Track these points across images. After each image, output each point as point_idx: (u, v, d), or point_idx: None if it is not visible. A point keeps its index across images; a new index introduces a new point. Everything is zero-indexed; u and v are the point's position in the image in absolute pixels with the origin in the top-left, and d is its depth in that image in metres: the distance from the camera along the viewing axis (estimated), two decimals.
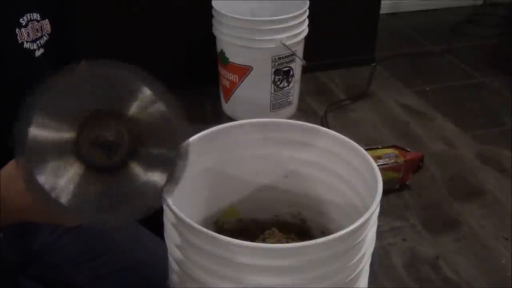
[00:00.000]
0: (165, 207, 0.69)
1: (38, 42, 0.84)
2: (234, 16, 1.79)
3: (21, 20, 0.81)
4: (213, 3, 1.87)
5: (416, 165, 1.73)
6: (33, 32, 0.83)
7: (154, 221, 1.05)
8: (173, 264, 0.72)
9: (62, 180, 0.44)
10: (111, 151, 0.46)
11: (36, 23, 0.84)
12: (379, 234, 0.80)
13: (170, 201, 0.68)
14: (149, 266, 1.03)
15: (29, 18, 0.83)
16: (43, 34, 0.85)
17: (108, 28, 1.96)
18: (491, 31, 2.83)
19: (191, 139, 0.80)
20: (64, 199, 0.44)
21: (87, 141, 0.45)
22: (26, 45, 0.82)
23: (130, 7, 2.04)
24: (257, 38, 1.83)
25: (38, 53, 0.84)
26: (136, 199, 0.50)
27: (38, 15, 0.84)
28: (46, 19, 0.85)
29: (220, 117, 2.02)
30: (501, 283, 1.41)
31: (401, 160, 1.69)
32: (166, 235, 0.73)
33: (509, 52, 2.66)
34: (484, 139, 1.98)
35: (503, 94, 2.30)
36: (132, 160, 0.48)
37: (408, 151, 1.75)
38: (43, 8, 0.84)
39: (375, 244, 0.73)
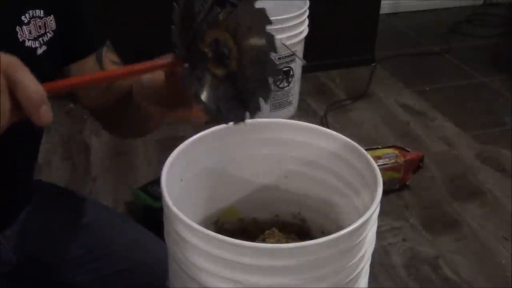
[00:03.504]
0: (165, 207, 0.69)
1: (40, 39, 0.83)
2: None
3: (22, 17, 0.80)
4: None
5: (416, 165, 1.73)
6: (35, 29, 0.82)
7: (154, 221, 1.05)
8: (173, 264, 0.72)
9: (202, 85, 0.59)
10: (227, 60, 0.59)
11: (38, 20, 0.82)
12: (379, 234, 0.80)
13: (170, 201, 0.68)
14: (149, 267, 1.03)
15: (31, 15, 0.81)
16: (46, 31, 0.84)
17: (107, 28, 1.96)
18: (491, 31, 2.83)
19: (191, 139, 0.80)
20: (204, 97, 0.59)
21: (213, 54, 0.59)
22: (27, 43, 0.81)
23: (129, 8, 2.04)
24: None
25: (40, 51, 0.83)
26: (249, 99, 0.60)
27: (41, 11, 0.83)
28: (51, 16, 0.84)
29: None
30: (501, 283, 1.41)
31: (401, 160, 1.69)
32: (166, 235, 0.73)
33: (509, 52, 2.66)
34: (484, 139, 1.98)
35: (503, 94, 2.30)
36: (240, 69, 0.59)
37: (408, 151, 1.75)
38: (47, 4, 0.83)
39: (375, 244, 0.73)
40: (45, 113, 0.51)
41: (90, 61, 0.92)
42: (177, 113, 0.71)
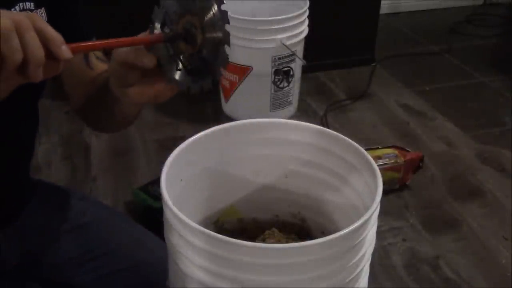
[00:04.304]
0: (165, 207, 0.69)
1: None
2: (234, 16, 1.79)
3: (12, 10, 0.80)
4: None
5: (416, 165, 1.73)
6: None
7: (154, 221, 1.04)
8: (173, 264, 0.72)
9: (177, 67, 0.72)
10: (193, 40, 0.70)
11: (29, 13, 0.83)
12: (379, 234, 0.80)
13: (170, 201, 0.68)
14: (149, 266, 1.03)
15: (21, 8, 0.82)
16: None
17: (105, 28, 1.96)
18: (491, 31, 2.83)
19: (191, 139, 0.80)
20: (179, 77, 0.72)
21: (181, 35, 0.71)
22: None
23: (128, 9, 2.04)
24: (257, 38, 1.83)
25: None
26: (215, 68, 0.71)
27: (32, 4, 0.83)
28: (42, 8, 0.85)
29: (220, 117, 2.03)
30: (501, 283, 1.41)
31: (401, 160, 1.69)
32: (166, 235, 0.73)
33: (509, 52, 2.66)
34: (484, 139, 1.98)
35: (503, 94, 2.30)
36: (203, 45, 0.71)
37: (408, 151, 1.75)
38: None
39: (375, 244, 0.73)
40: (66, 50, 0.64)
41: (77, 55, 0.92)
42: (143, 90, 0.75)
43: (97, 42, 0.72)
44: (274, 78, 1.92)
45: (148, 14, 0.74)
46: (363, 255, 0.70)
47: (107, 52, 0.77)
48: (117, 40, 0.70)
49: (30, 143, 1.00)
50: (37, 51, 0.61)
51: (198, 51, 0.71)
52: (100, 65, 0.94)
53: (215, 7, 0.69)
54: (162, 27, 0.72)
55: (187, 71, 0.73)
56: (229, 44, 0.70)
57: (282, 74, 1.92)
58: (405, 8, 3.05)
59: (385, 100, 2.23)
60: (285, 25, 1.83)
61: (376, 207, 0.68)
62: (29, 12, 0.61)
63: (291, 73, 1.94)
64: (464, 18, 2.94)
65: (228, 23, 0.69)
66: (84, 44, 0.69)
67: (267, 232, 0.88)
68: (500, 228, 1.57)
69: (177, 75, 0.73)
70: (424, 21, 3.00)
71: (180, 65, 0.72)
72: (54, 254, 1.02)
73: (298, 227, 0.91)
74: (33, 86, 0.89)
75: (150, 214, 1.50)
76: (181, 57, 0.72)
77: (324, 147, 0.84)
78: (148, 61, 0.71)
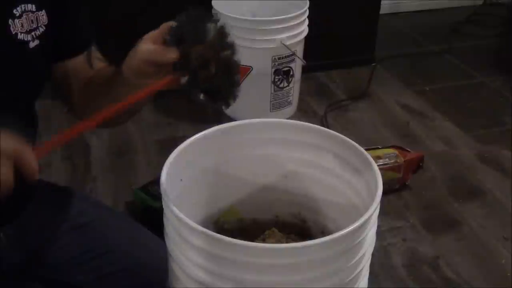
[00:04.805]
0: (165, 207, 0.70)
1: (33, 33, 0.84)
2: (234, 16, 1.79)
3: (14, 11, 0.81)
4: (213, 3, 1.87)
5: (416, 165, 1.73)
6: (27, 23, 0.83)
7: (154, 221, 1.04)
8: (173, 264, 0.72)
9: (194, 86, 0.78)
10: (209, 65, 0.77)
11: (31, 14, 0.84)
12: (379, 234, 0.80)
13: (170, 201, 0.68)
14: (149, 266, 1.03)
15: (23, 9, 0.83)
16: (38, 25, 0.85)
17: (105, 30, 1.96)
18: (491, 31, 2.83)
19: (191, 139, 0.81)
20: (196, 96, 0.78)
21: (196, 67, 0.77)
22: (20, 36, 0.82)
23: (127, 8, 2.04)
24: (257, 38, 1.82)
25: (32, 44, 0.84)
26: (229, 89, 0.81)
27: (33, 6, 0.84)
28: (43, 10, 0.85)
29: (220, 117, 2.02)
30: (501, 283, 1.41)
31: (401, 160, 1.69)
32: (166, 235, 0.73)
33: (509, 52, 2.66)
34: (484, 139, 1.98)
35: (503, 94, 2.30)
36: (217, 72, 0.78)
37: (408, 151, 1.75)
38: None
39: (375, 244, 0.73)
40: (36, 175, 0.72)
41: (81, 58, 0.95)
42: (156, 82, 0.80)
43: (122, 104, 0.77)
44: (274, 78, 1.92)
45: (148, 17, 0.75)
46: (363, 255, 0.70)
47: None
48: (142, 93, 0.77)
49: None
50: (7, 182, 0.68)
51: (212, 76, 0.78)
52: (99, 64, 0.97)
53: (228, 38, 0.77)
54: (177, 45, 0.77)
55: (202, 91, 0.79)
56: (239, 76, 0.80)
57: (282, 74, 1.92)
58: (405, 8, 3.05)
59: (385, 100, 2.23)
60: (285, 25, 1.83)
61: (376, 207, 0.68)
62: (19, 142, 0.71)
63: (291, 73, 1.94)
64: (464, 18, 2.94)
65: (239, 64, 0.79)
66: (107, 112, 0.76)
67: (267, 232, 0.88)
68: (500, 228, 1.58)
69: (194, 94, 0.79)
70: (424, 21, 2.99)
71: (196, 85, 0.79)
72: (54, 254, 1.02)
73: (298, 227, 0.91)
74: (29, 88, 0.90)
75: (150, 214, 1.50)
76: (198, 79, 0.78)
77: (324, 147, 0.84)
78: (171, 57, 0.76)
